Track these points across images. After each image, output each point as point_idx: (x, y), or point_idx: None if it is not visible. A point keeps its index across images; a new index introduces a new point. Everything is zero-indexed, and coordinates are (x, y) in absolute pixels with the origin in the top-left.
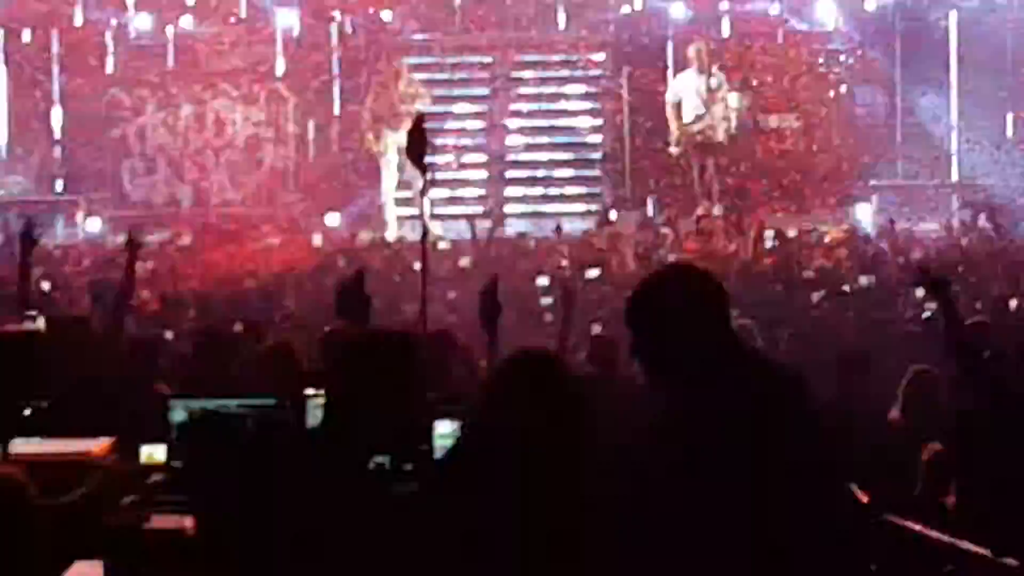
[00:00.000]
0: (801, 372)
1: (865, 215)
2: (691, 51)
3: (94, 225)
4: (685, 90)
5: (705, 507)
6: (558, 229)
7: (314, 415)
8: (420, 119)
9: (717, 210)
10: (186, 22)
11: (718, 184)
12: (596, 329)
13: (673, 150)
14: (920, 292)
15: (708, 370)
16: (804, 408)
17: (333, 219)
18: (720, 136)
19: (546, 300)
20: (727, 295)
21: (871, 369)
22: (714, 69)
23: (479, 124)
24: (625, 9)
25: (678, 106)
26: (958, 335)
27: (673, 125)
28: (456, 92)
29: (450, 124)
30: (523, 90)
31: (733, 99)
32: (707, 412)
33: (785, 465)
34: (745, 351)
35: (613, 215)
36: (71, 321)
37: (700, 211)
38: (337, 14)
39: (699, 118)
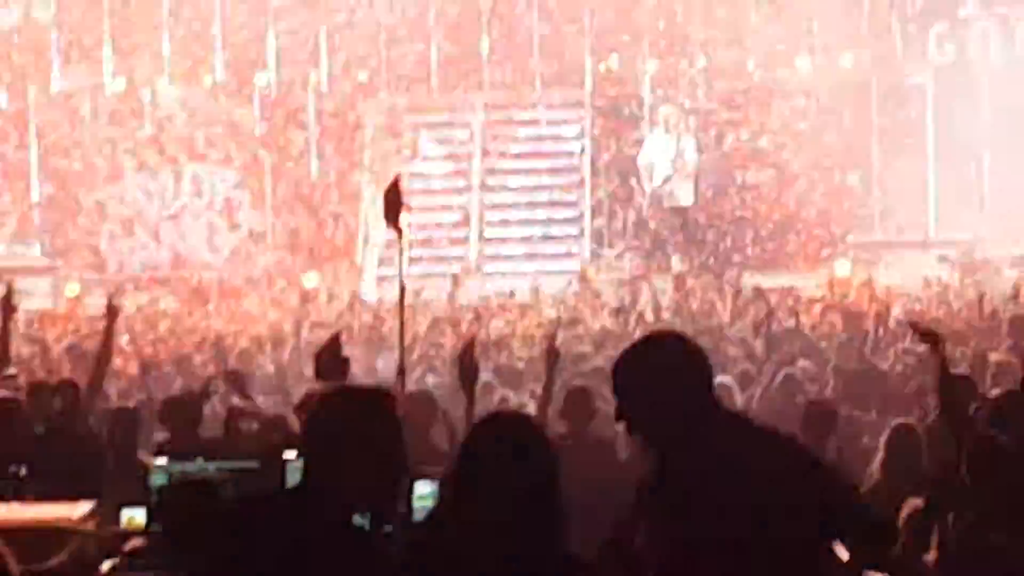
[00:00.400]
0: (785, 434)
1: (843, 271)
2: (660, 114)
3: (72, 290)
4: (655, 152)
5: (687, 568)
6: (535, 289)
7: (294, 476)
8: (396, 180)
9: (693, 268)
10: (162, 85)
11: (695, 242)
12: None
13: (648, 210)
14: (900, 345)
15: (690, 434)
16: (784, 469)
17: (311, 279)
18: (686, 199)
19: (524, 356)
20: (708, 361)
21: (844, 424)
22: (681, 130)
23: (458, 183)
24: (601, 68)
25: (650, 167)
26: (949, 390)
27: (646, 186)
28: (433, 152)
29: (428, 184)
30: (501, 148)
31: (694, 160)
32: (689, 475)
33: (767, 525)
34: (727, 415)
35: (591, 273)
36: (51, 387)
37: (676, 270)
38: (313, 75)
39: (667, 180)
